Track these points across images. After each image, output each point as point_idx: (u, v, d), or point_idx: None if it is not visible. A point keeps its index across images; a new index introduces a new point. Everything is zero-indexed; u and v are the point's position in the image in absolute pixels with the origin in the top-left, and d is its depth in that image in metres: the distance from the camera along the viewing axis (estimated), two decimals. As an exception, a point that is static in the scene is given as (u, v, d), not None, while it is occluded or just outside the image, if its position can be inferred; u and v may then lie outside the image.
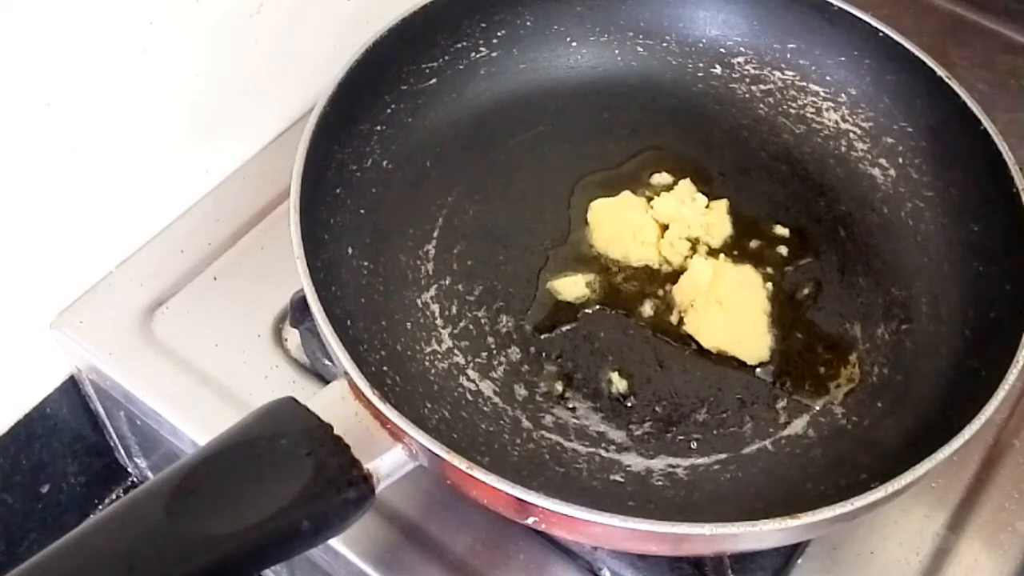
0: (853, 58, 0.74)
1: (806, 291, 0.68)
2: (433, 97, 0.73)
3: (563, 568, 0.61)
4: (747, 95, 0.78)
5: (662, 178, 0.73)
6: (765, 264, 0.69)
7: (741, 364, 0.64)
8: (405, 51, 0.71)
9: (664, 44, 0.78)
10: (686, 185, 0.72)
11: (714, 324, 0.65)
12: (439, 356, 0.63)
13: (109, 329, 0.70)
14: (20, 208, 0.65)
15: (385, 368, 0.61)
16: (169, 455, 0.74)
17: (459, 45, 0.74)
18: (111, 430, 0.79)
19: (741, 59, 0.78)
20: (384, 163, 0.70)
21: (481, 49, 0.75)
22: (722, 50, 0.78)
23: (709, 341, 0.64)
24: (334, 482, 0.49)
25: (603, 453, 0.60)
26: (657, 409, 0.62)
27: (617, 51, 0.78)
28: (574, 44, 0.78)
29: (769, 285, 0.68)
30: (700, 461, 0.60)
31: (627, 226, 0.70)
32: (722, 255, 0.69)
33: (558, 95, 0.77)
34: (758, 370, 0.64)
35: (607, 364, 0.64)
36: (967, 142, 0.67)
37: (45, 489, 0.77)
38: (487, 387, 0.63)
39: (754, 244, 0.70)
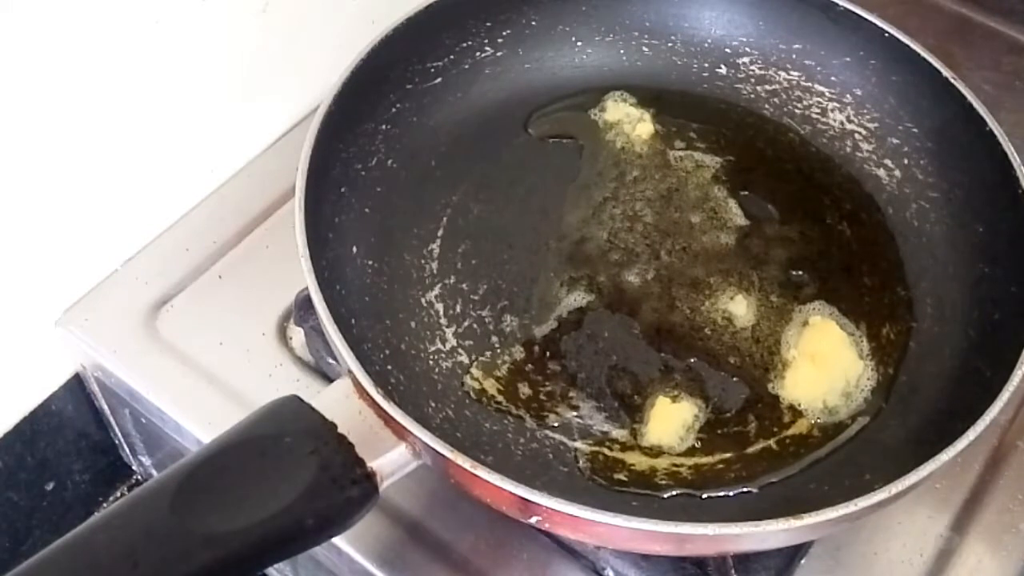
0: (858, 58, 0.74)
1: (810, 291, 0.68)
2: (438, 96, 0.73)
3: (567, 567, 0.61)
4: (752, 95, 0.77)
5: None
6: (770, 264, 0.69)
7: (743, 365, 0.64)
8: (410, 50, 0.71)
9: (669, 44, 0.78)
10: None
11: (807, 381, 0.63)
12: (443, 355, 0.63)
13: (114, 327, 0.70)
14: (26, 206, 0.65)
15: (389, 367, 0.61)
16: (173, 453, 0.74)
17: (464, 44, 0.74)
18: (116, 428, 0.79)
19: (746, 59, 0.78)
20: (389, 162, 0.70)
21: (486, 49, 0.75)
22: (727, 50, 0.78)
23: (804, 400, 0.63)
24: (338, 480, 0.49)
25: (607, 452, 0.60)
26: (661, 409, 0.62)
27: (622, 51, 0.78)
28: (579, 44, 0.78)
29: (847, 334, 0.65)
30: (704, 460, 0.60)
31: None
32: (727, 257, 0.69)
33: (563, 95, 0.77)
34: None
35: (611, 364, 0.64)
36: (973, 143, 0.67)
37: (50, 486, 0.78)
38: (491, 386, 0.63)
39: (758, 244, 0.70)
